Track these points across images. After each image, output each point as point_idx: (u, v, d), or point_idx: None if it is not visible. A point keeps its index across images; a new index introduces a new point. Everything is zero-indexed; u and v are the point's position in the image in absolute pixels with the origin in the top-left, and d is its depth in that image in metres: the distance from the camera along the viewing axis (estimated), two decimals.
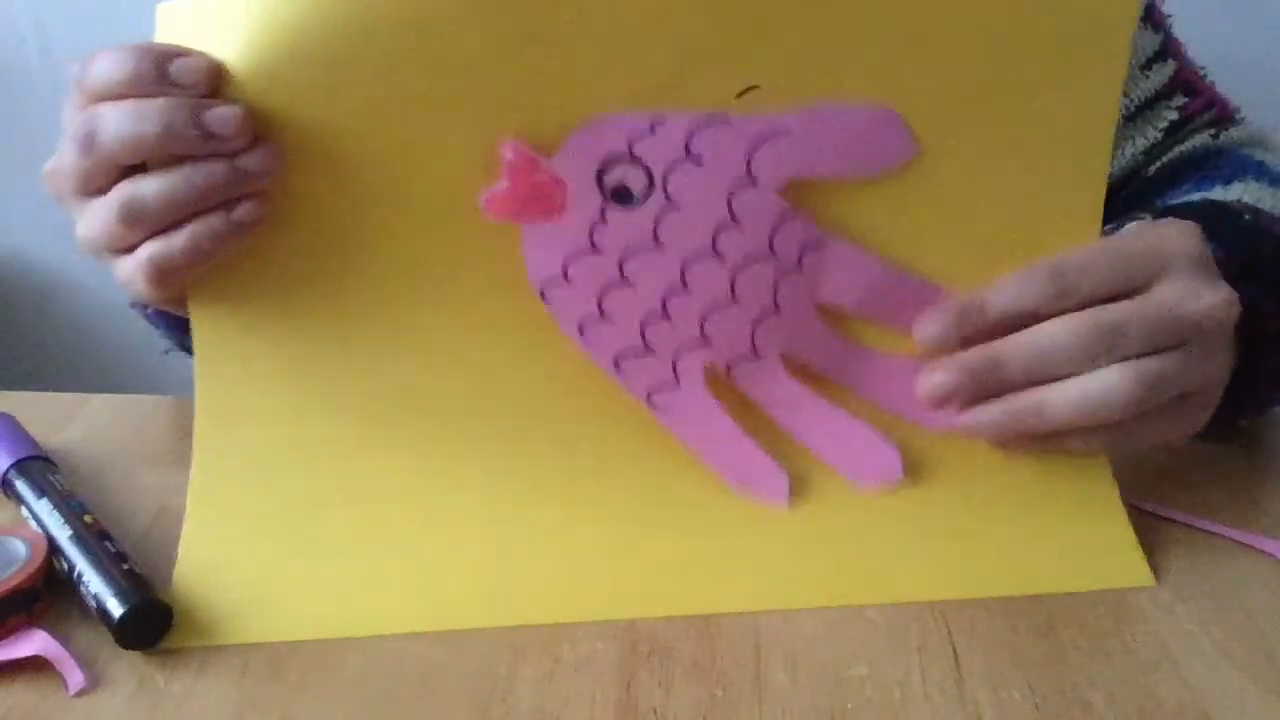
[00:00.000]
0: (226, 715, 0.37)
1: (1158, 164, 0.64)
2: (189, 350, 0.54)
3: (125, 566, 0.40)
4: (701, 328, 0.42)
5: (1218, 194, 0.57)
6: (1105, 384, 0.40)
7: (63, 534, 0.42)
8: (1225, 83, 0.69)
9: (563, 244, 0.41)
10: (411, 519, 0.43)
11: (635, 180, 0.40)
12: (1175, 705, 0.37)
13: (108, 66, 0.39)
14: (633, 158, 0.40)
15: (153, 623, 0.39)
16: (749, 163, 0.40)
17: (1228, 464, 0.50)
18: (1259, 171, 0.59)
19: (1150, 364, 0.40)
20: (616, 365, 0.42)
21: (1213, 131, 0.64)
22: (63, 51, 1.25)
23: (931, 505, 0.44)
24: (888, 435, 0.44)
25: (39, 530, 0.43)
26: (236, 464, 0.43)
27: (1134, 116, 0.64)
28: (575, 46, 0.38)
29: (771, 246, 0.41)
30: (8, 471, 0.46)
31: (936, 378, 0.42)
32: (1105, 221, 0.44)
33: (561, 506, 0.43)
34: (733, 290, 0.42)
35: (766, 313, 0.42)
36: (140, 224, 0.40)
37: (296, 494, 0.43)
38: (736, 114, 0.40)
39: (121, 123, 0.39)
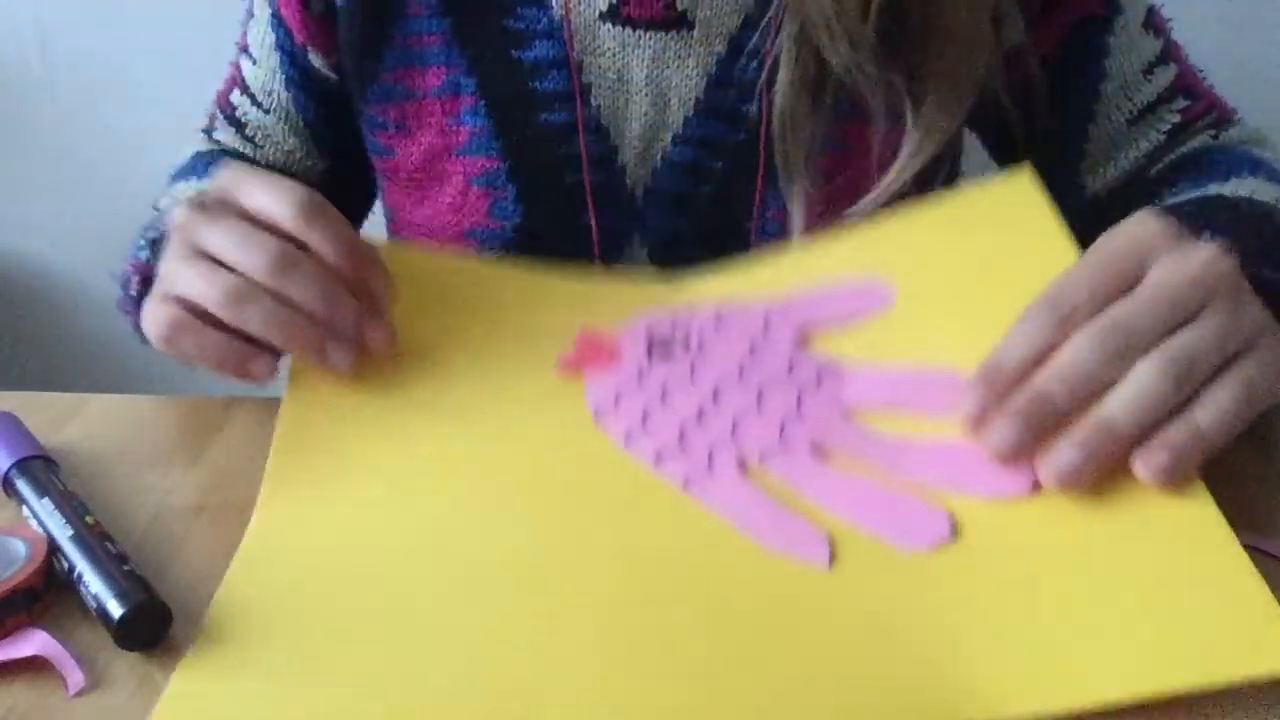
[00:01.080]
0: None
1: (1159, 165, 0.64)
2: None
3: (126, 567, 0.40)
4: (733, 430, 0.47)
5: (1214, 190, 0.57)
6: (1143, 378, 0.40)
7: (63, 534, 0.42)
8: (1225, 83, 0.69)
9: (615, 383, 0.50)
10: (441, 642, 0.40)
11: (677, 344, 0.51)
12: (1176, 704, 0.37)
13: (314, 238, 0.47)
14: (673, 334, 0.52)
15: (153, 624, 0.39)
16: (765, 322, 0.51)
17: (1228, 464, 0.50)
18: (1256, 167, 0.60)
19: (1173, 342, 0.41)
20: (656, 461, 0.46)
21: (1213, 132, 0.65)
22: (63, 51, 1.25)
23: (1009, 606, 0.39)
24: (931, 502, 0.43)
25: (39, 530, 0.43)
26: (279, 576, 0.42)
27: (1136, 120, 0.64)
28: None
29: (790, 373, 0.49)
30: (9, 471, 0.46)
31: (997, 434, 0.41)
32: (1113, 224, 0.45)
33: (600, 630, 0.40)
34: (759, 403, 0.48)
35: (791, 417, 0.47)
36: (237, 313, 0.46)
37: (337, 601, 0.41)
38: (752, 297, 0.53)
39: (315, 297, 0.47)
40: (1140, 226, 0.43)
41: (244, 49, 0.70)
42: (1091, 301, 0.42)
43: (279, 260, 0.46)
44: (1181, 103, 0.64)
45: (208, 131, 0.73)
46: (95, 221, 1.32)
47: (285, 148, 0.70)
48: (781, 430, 0.46)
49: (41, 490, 0.45)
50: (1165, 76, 0.64)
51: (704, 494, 0.44)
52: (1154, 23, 0.64)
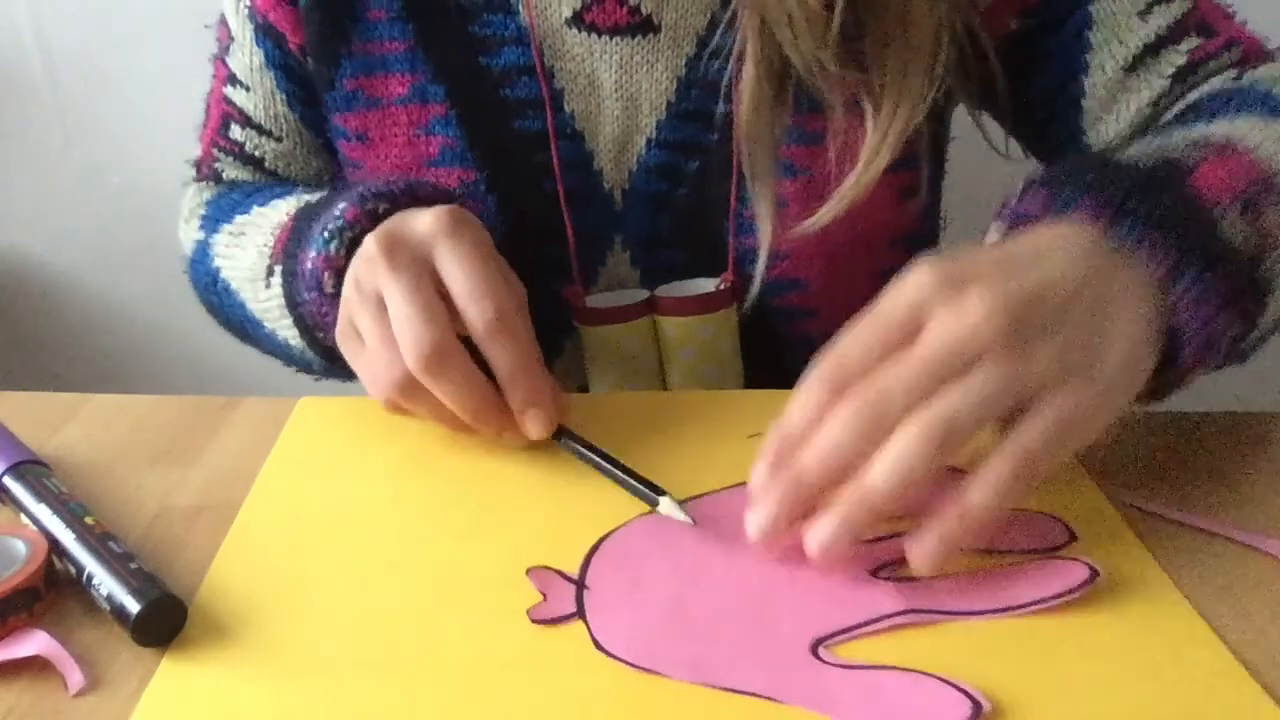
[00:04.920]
0: None
1: (1171, 112, 0.59)
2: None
3: (133, 565, 0.40)
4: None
5: (1198, 131, 0.51)
6: (898, 447, 0.39)
7: (66, 537, 0.42)
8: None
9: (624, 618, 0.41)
10: None
11: (655, 566, 0.43)
12: None
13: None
14: (644, 548, 0.45)
15: (169, 619, 0.39)
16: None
17: (1228, 464, 0.50)
18: (1264, 103, 0.54)
19: (933, 406, 0.39)
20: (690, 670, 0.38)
21: (1235, 72, 0.59)
22: (63, 51, 1.25)
23: None
24: (954, 679, 0.38)
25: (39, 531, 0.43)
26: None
27: (1133, 67, 0.60)
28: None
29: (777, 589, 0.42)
30: (1, 477, 0.46)
31: (756, 516, 0.41)
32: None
33: None
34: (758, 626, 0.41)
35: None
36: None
37: None
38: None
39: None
40: (915, 280, 0.41)
41: (228, 79, 0.66)
42: (862, 368, 0.41)
43: (431, 360, 0.46)
44: (1192, 41, 0.59)
45: (213, 178, 0.69)
46: (94, 221, 1.32)
47: (311, 170, 0.68)
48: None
49: (37, 495, 0.44)
50: (1167, 15, 0.59)
51: (792, 697, 0.37)
52: None
